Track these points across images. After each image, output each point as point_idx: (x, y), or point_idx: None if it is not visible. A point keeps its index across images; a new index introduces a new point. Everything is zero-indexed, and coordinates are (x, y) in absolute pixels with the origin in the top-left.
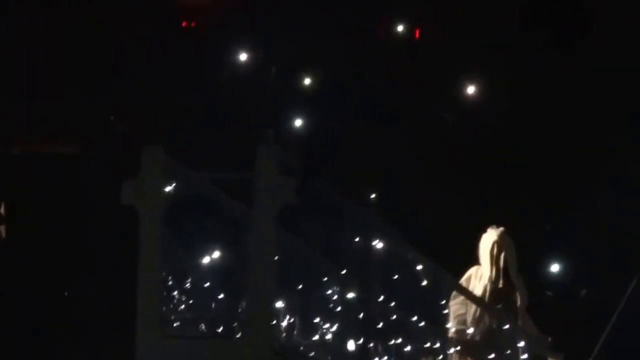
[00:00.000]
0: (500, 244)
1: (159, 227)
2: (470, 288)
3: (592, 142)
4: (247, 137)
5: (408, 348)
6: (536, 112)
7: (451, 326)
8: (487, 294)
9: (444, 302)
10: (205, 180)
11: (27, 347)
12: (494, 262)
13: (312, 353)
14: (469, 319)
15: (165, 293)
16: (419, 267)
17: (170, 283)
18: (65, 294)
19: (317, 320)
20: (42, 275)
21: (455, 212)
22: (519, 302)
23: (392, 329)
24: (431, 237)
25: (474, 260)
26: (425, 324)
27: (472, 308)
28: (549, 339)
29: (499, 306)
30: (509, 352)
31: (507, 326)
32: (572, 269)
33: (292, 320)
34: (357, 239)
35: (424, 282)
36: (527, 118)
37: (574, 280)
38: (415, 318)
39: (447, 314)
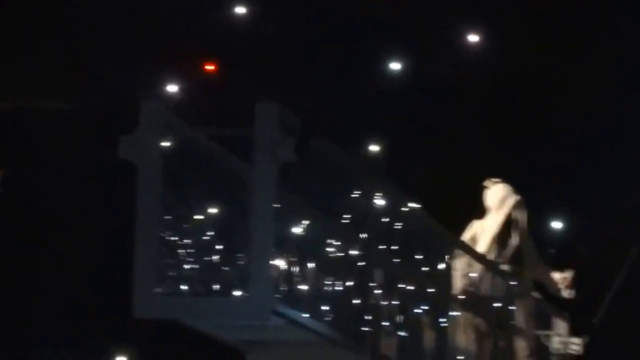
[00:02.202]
0: (520, 205)
1: (158, 182)
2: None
3: (595, 100)
4: (248, 93)
5: (411, 307)
6: (540, 64)
7: (458, 286)
8: (495, 252)
9: (447, 259)
10: (204, 135)
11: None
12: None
13: (308, 315)
14: (477, 277)
15: (163, 249)
16: (421, 224)
17: (168, 239)
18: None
19: (317, 276)
20: (35, 230)
21: (454, 165)
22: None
23: (394, 288)
24: (430, 190)
25: (476, 214)
26: (429, 282)
27: (479, 267)
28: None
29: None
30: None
31: (515, 282)
32: (574, 226)
33: (292, 276)
34: (357, 194)
35: (426, 240)
36: (529, 71)
37: (576, 238)
38: (418, 275)
39: (452, 273)
